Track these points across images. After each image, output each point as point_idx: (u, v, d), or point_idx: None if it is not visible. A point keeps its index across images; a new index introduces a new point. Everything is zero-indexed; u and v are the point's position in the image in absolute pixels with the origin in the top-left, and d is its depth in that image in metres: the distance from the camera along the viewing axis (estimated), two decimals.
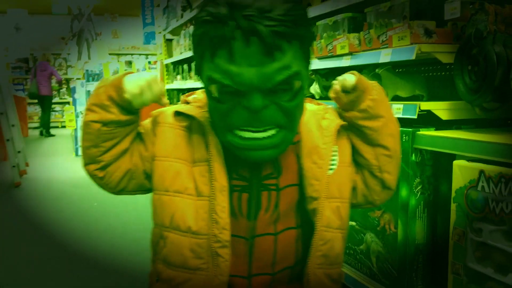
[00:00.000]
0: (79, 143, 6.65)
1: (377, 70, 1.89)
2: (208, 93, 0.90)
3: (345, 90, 1.01)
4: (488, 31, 1.44)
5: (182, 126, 0.99)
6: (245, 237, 0.97)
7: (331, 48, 2.10)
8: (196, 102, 1.03)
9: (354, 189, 1.06)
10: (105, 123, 0.95)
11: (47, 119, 10.18)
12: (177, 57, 5.63)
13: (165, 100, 1.00)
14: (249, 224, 0.97)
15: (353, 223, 1.85)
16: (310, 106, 1.05)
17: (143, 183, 1.03)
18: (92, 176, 1.02)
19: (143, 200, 3.86)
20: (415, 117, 1.60)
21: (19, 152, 5.39)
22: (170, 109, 1.02)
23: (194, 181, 0.95)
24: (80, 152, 7.04)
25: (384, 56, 1.75)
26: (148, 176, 1.01)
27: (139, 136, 1.03)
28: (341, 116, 1.04)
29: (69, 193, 4.69)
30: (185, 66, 5.27)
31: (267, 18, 0.80)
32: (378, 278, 1.75)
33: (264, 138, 0.88)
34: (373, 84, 1.03)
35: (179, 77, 5.59)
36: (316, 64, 2.21)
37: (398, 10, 1.81)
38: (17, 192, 4.81)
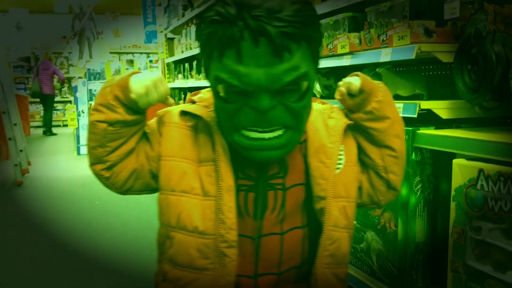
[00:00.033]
0: (81, 142, 6.64)
1: (377, 70, 1.90)
2: (215, 92, 0.89)
3: (351, 94, 1.01)
4: (487, 30, 1.45)
5: (188, 126, 0.99)
6: (251, 237, 0.97)
7: (331, 47, 2.11)
8: (202, 102, 1.02)
9: (359, 189, 1.05)
10: (111, 123, 0.95)
11: (49, 118, 10.19)
12: (178, 56, 5.64)
13: (171, 100, 0.99)
14: (255, 224, 0.97)
15: (354, 222, 1.86)
16: (316, 105, 1.04)
17: (149, 183, 1.03)
18: (98, 176, 1.01)
19: (145, 199, 3.88)
20: (415, 116, 1.61)
21: (21, 151, 5.40)
22: (176, 109, 1.01)
23: (201, 181, 0.95)
24: (81, 151, 7.01)
25: (385, 55, 1.76)
26: (154, 176, 1.01)
27: (145, 136, 1.03)
28: (347, 116, 1.04)
29: (71, 192, 4.71)
30: (186, 65, 5.28)
31: (276, 18, 0.79)
32: (378, 276, 1.76)
33: (270, 138, 0.87)
34: (378, 85, 1.02)
35: (180, 76, 5.60)
36: None
37: (398, 10, 1.82)
38: (19, 190, 4.82)
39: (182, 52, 5.38)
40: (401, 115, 1.64)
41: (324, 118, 1.02)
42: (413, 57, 1.60)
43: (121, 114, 0.94)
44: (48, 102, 10.08)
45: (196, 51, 4.68)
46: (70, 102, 10.31)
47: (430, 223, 1.65)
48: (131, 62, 10.67)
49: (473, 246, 1.34)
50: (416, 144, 1.57)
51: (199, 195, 0.95)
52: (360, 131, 1.03)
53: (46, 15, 12.41)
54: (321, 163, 0.97)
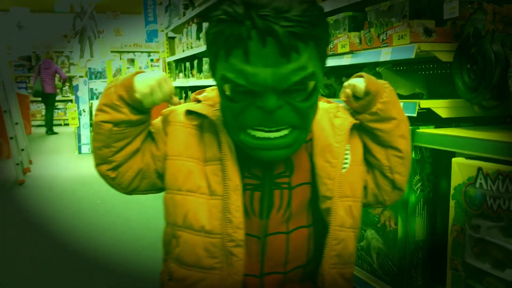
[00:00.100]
0: (82, 141, 6.67)
1: (377, 69, 1.91)
2: (221, 92, 0.89)
3: (356, 96, 1.01)
4: (486, 30, 1.45)
5: (193, 125, 0.99)
6: (257, 236, 0.97)
7: (332, 46, 2.12)
8: (207, 101, 1.02)
9: (364, 188, 1.05)
10: (116, 123, 0.95)
11: (50, 117, 10.21)
12: (179, 55, 5.64)
13: (176, 99, 0.99)
14: (261, 223, 0.97)
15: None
16: (321, 104, 1.04)
17: (155, 182, 1.02)
18: (104, 176, 1.01)
19: (146, 198, 3.88)
20: (415, 115, 1.61)
21: (22, 150, 5.41)
22: (181, 108, 1.01)
23: (207, 180, 0.95)
24: (82, 150, 7.03)
25: (384, 54, 1.76)
26: (160, 176, 1.01)
27: (150, 136, 1.02)
28: (353, 116, 1.04)
29: (72, 191, 4.72)
30: (188, 64, 5.28)
31: (284, 18, 0.79)
32: (378, 274, 1.77)
33: (277, 138, 0.87)
34: (384, 86, 1.02)
35: (181, 75, 5.60)
36: None
37: (398, 9, 1.82)
38: (20, 189, 4.83)
39: (183, 51, 5.38)
40: None
41: (330, 117, 1.02)
42: (413, 56, 1.61)
43: (126, 114, 0.94)
44: (49, 101, 10.10)
45: (197, 50, 4.68)
46: (71, 101, 10.32)
47: (430, 222, 1.66)
48: (132, 61, 10.67)
49: (472, 244, 1.35)
50: (416, 143, 1.58)
51: (205, 194, 0.94)
52: (365, 131, 1.03)
53: (47, 14, 12.41)
54: (327, 163, 0.97)
